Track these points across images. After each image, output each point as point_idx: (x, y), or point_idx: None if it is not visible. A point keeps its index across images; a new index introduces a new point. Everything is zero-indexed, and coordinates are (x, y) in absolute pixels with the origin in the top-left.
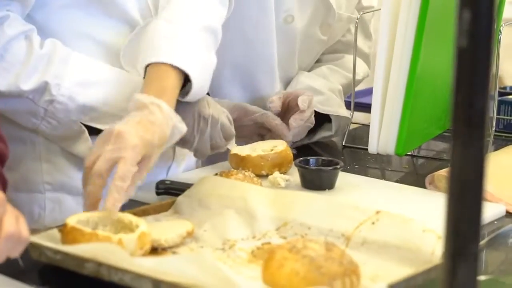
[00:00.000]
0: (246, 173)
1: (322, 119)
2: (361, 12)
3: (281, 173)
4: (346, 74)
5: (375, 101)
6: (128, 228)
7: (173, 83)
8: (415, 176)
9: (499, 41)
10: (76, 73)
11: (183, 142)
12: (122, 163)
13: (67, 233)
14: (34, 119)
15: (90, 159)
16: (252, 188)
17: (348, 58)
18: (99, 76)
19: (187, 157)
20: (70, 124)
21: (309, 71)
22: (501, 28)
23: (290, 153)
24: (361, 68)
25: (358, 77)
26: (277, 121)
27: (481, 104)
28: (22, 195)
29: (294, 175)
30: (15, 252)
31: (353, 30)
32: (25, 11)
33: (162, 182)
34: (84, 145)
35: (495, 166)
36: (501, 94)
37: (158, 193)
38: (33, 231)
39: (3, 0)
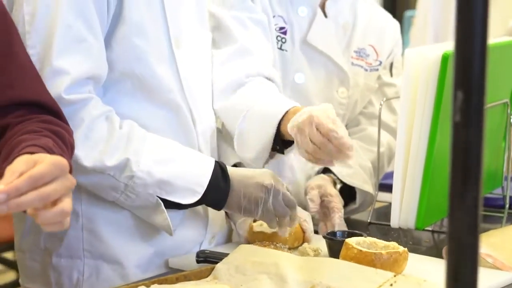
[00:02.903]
0: (278, 245)
1: (349, 193)
2: (384, 99)
3: (299, 246)
4: (374, 149)
5: (396, 179)
6: None
7: None
8: (436, 250)
9: (510, 124)
10: (153, 150)
11: (248, 212)
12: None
13: None
14: (114, 193)
15: None
16: (283, 255)
17: (372, 130)
18: (173, 154)
19: (217, 236)
20: (147, 197)
21: None
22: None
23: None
24: (386, 139)
25: (383, 148)
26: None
27: (476, 170)
28: (63, 260)
29: (322, 247)
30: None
31: (374, 102)
32: (100, 92)
33: (202, 251)
34: (160, 216)
35: (508, 237)
36: None
37: (198, 261)
38: None
39: (83, 81)
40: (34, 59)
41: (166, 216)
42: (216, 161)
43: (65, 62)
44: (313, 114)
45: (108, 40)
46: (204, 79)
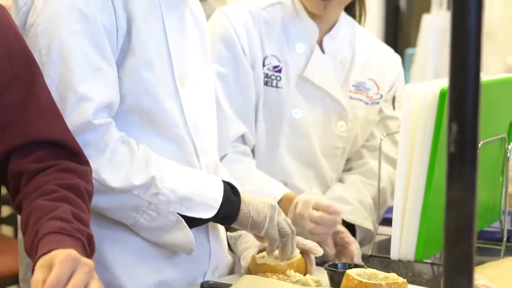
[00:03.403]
0: (280, 276)
1: (349, 229)
2: (385, 134)
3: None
4: (376, 183)
5: (396, 211)
6: None
7: None
8: (435, 282)
9: (507, 159)
10: (171, 169)
11: (255, 226)
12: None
13: None
14: (135, 213)
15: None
16: (285, 285)
17: (374, 164)
18: (188, 172)
19: (219, 267)
20: (167, 215)
21: (340, 181)
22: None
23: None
24: (389, 173)
25: (382, 183)
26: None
27: (470, 200)
28: None
29: (324, 278)
30: None
31: (377, 135)
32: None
33: (206, 282)
34: (181, 233)
35: (506, 269)
36: None
37: None
38: None
39: (103, 107)
40: (52, 88)
41: (188, 232)
42: (222, 179)
43: (87, 89)
44: (307, 199)
45: (118, 72)
46: (208, 114)
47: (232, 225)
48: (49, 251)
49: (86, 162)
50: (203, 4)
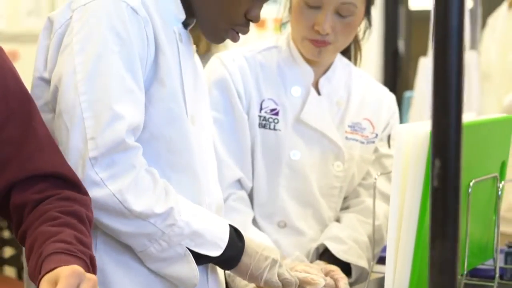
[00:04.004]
0: None
1: (344, 268)
2: (379, 173)
3: None
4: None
5: (389, 250)
6: None
7: None
8: None
9: (499, 198)
10: (186, 203)
11: (253, 277)
12: None
13: None
14: (147, 241)
15: None
16: None
17: (371, 202)
18: (199, 209)
19: None
20: (177, 247)
21: (338, 219)
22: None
23: None
24: (383, 210)
25: (378, 221)
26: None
27: (454, 233)
28: None
29: None
30: None
31: (372, 173)
32: None
33: None
34: (187, 267)
35: None
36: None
37: None
38: None
39: (132, 130)
40: (84, 105)
41: (194, 266)
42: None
43: (122, 109)
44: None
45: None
46: (211, 156)
47: (232, 271)
48: (54, 268)
49: (85, 193)
50: (208, 55)
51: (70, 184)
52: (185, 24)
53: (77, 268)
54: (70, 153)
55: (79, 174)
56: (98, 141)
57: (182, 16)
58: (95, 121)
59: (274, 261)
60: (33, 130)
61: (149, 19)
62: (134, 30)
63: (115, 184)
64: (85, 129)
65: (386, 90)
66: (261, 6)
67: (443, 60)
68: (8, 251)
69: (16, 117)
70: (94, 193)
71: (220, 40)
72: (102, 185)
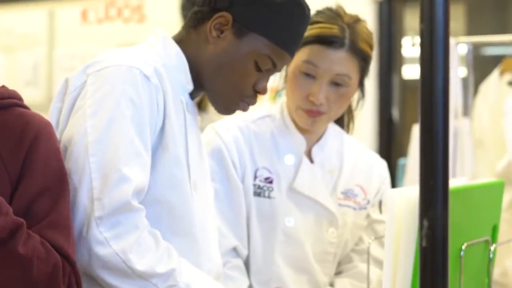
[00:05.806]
0: None
1: None
2: (373, 237)
3: None
4: (365, 286)
5: None
6: None
7: None
8: None
9: (491, 261)
10: (187, 266)
11: None
12: None
13: None
14: None
15: None
16: None
17: (363, 267)
18: (202, 274)
19: None
20: None
21: (332, 284)
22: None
23: None
24: (377, 275)
25: (372, 285)
26: None
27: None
28: None
29: None
30: None
31: (365, 239)
32: None
33: None
34: None
35: None
36: None
37: None
38: None
39: (137, 192)
40: (93, 166)
41: None
42: None
43: (130, 171)
44: None
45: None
46: (212, 223)
47: None
48: None
49: (77, 273)
50: (203, 115)
51: (68, 262)
52: (191, 95)
53: None
54: (77, 211)
55: (84, 232)
56: (105, 201)
57: (190, 87)
58: (103, 182)
59: None
60: (61, 206)
61: (161, 87)
62: (146, 96)
63: (119, 244)
64: (93, 189)
65: (377, 157)
66: (268, 79)
67: (430, 124)
68: None
69: (49, 193)
70: (97, 251)
71: (231, 111)
72: (106, 245)
